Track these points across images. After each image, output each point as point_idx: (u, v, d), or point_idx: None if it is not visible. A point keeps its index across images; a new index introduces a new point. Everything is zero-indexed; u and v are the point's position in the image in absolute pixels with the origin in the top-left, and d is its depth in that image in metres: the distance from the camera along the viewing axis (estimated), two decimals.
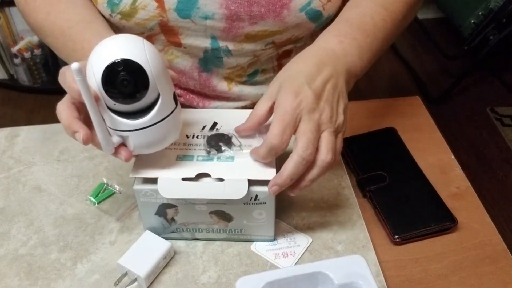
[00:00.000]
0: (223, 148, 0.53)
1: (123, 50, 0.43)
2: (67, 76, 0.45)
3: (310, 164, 0.48)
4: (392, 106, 0.76)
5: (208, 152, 0.52)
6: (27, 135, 0.71)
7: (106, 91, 0.43)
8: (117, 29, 0.67)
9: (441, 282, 0.54)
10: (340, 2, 0.63)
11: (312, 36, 0.68)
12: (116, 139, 0.47)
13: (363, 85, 2.07)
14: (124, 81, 0.42)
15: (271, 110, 0.50)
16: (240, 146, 0.53)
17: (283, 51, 0.70)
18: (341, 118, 0.49)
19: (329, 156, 0.47)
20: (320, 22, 0.63)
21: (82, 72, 0.40)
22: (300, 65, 0.51)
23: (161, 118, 0.46)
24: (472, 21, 1.83)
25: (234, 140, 0.53)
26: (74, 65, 0.39)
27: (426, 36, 2.27)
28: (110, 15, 0.61)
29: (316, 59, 0.51)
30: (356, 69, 0.53)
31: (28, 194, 0.63)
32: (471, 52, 1.88)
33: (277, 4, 0.59)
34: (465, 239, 0.58)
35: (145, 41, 0.44)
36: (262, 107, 0.50)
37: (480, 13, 1.80)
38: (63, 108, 0.46)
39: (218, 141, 0.53)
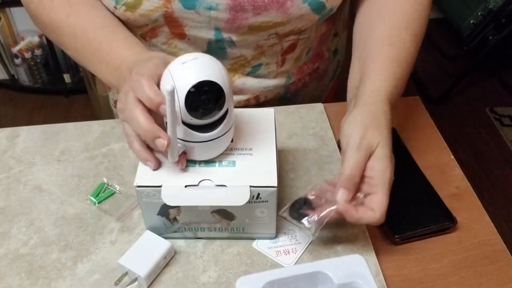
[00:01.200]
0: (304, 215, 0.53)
1: (206, 71, 0.47)
2: (146, 86, 0.47)
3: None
4: (392, 106, 0.76)
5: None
6: (27, 135, 0.71)
7: (188, 108, 0.46)
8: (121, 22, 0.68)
9: (440, 281, 0.54)
10: None
11: (316, 29, 0.69)
12: (180, 149, 0.50)
13: None
14: (206, 100, 0.46)
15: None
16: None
17: (288, 47, 0.70)
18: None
19: (380, 219, 0.51)
20: (323, 14, 0.64)
21: (174, 94, 0.45)
22: (377, 138, 0.53)
23: (226, 131, 0.51)
24: (472, 22, 1.83)
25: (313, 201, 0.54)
26: (169, 87, 0.43)
27: (426, 36, 2.27)
28: (115, 7, 0.62)
29: (388, 129, 0.55)
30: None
31: (29, 194, 0.63)
32: (470, 52, 1.89)
33: None
34: (464, 239, 0.59)
35: (220, 63, 0.48)
36: (356, 171, 0.51)
37: (479, 13, 1.81)
38: (140, 113, 0.47)
39: (299, 209, 0.54)
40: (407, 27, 0.62)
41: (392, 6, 0.64)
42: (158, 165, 0.51)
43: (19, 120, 1.90)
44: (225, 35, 0.65)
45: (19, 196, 0.63)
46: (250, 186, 0.50)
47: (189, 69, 0.47)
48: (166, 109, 0.45)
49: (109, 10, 0.64)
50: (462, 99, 1.99)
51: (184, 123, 0.48)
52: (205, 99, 0.46)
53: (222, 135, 0.50)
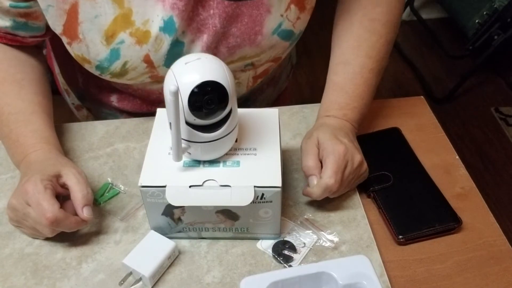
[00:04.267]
0: (290, 255, 0.56)
1: (210, 71, 0.47)
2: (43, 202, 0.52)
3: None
4: (397, 106, 0.76)
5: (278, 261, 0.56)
6: None
7: (191, 109, 0.46)
8: (105, 81, 0.67)
9: (445, 282, 0.54)
10: (308, 17, 0.65)
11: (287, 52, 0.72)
12: (184, 149, 0.51)
13: None
14: (209, 100, 0.46)
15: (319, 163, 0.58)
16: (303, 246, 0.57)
17: (261, 72, 0.72)
18: (365, 166, 0.60)
19: (342, 192, 0.60)
20: (293, 39, 0.66)
21: (177, 95, 0.45)
22: (320, 132, 0.60)
23: (230, 131, 0.51)
24: (477, 21, 1.82)
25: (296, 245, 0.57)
26: (173, 88, 0.44)
27: (430, 36, 2.26)
28: (100, 74, 0.62)
29: (335, 126, 0.62)
30: (358, 125, 0.65)
31: None
32: (475, 52, 1.87)
33: (251, 32, 0.61)
34: (469, 240, 0.58)
35: (223, 63, 0.49)
36: (312, 163, 0.58)
37: (484, 12, 1.80)
38: (53, 203, 0.52)
39: (283, 250, 0.56)
40: (356, 51, 0.65)
41: (347, 30, 0.67)
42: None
43: None
44: None
45: None
46: (255, 186, 0.50)
47: (192, 69, 0.47)
48: (170, 109, 0.46)
49: (39, 85, 0.65)
50: (467, 99, 1.98)
51: (187, 123, 0.48)
52: (208, 99, 0.46)
53: (226, 135, 0.50)
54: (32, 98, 0.63)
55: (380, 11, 0.66)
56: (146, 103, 0.75)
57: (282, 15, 0.61)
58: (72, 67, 0.74)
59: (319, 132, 0.60)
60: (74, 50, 0.60)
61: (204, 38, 0.60)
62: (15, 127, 0.60)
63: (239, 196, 0.50)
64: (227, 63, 0.64)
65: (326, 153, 0.57)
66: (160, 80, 0.64)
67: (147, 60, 0.60)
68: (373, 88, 0.66)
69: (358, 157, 0.59)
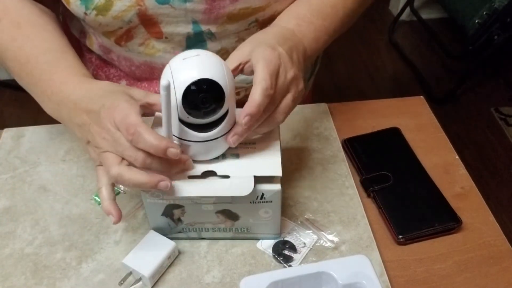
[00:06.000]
0: (290, 255, 0.56)
1: (207, 69, 0.45)
2: (145, 135, 0.44)
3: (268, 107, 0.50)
4: (396, 106, 0.76)
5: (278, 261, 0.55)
6: (32, 135, 0.71)
7: (185, 106, 0.45)
8: (92, 28, 0.65)
9: (445, 282, 0.54)
10: None
11: None
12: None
13: (366, 85, 2.07)
14: (204, 99, 0.45)
15: (237, 70, 0.52)
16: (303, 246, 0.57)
17: None
18: (301, 85, 0.53)
19: (281, 118, 0.51)
20: None
21: (169, 89, 0.43)
22: (266, 35, 0.54)
23: (224, 132, 0.49)
24: (477, 21, 1.82)
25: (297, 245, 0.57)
26: (165, 82, 0.42)
27: (430, 36, 2.27)
28: (85, 13, 0.59)
29: (279, 34, 0.54)
30: (311, 51, 0.58)
31: (34, 194, 0.63)
32: (475, 52, 1.87)
33: None
34: (469, 240, 0.58)
35: (223, 61, 0.47)
36: (234, 59, 0.51)
37: (484, 12, 1.80)
38: (144, 131, 0.45)
39: (283, 250, 0.56)
40: None
41: None
42: (119, 220, 0.50)
43: (25, 120, 1.90)
44: (204, 28, 0.62)
45: (24, 196, 0.63)
46: (254, 176, 0.49)
47: (190, 65, 0.45)
48: (162, 104, 0.44)
49: (61, 31, 0.61)
50: (467, 99, 1.98)
51: (180, 120, 0.47)
52: (203, 98, 0.45)
53: (219, 136, 0.49)
54: (58, 40, 0.59)
55: None
56: (152, 84, 0.72)
57: None
58: (83, 58, 0.74)
59: (256, 37, 0.54)
60: None
61: None
62: (46, 68, 0.55)
63: (239, 186, 0.49)
64: (230, 20, 0.61)
65: (255, 60, 0.50)
66: (148, 21, 0.60)
67: None
68: (339, 20, 0.60)
69: (293, 70, 0.51)
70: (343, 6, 0.60)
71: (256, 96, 0.47)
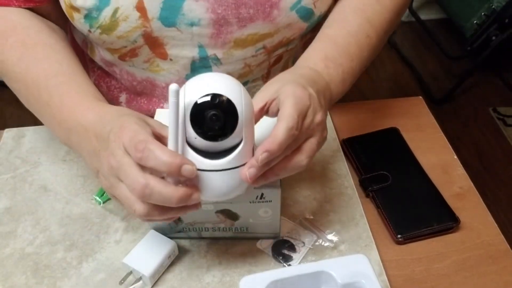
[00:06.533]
0: (290, 255, 0.56)
1: (222, 86, 0.41)
2: (157, 151, 0.39)
3: (292, 149, 0.45)
4: (395, 106, 0.77)
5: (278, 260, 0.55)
6: (33, 136, 0.71)
7: (193, 124, 0.40)
8: (96, 45, 0.64)
9: (443, 281, 0.55)
10: (331, 0, 0.60)
11: (302, 39, 0.66)
12: None
13: (365, 86, 2.07)
14: (214, 116, 0.40)
15: (263, 109, 0.47)
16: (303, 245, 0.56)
17: (274, 59, 0.66)
18: (326, 132, 0.49)
19: (305, 162, 0.46)
20: (312, 21, 0.60)
21: (178, 95, 0.39)
22: (294, 76, 0.50)
23: (236, 165, 0.43)
24: (475, 22, 1.83)
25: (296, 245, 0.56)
26: (173, 86, 0.38)
27: (429, 36, 2.27)
28: (89, 30, 0.57)
29: (308, 76, 0.51)
30: (337, 95, 0.55)
31: (34, 193, 0.63)
32: (473, 53, 1.88)
33: (266, 4, 0.56)
34: (467, 239, 0.59)
35: (242, 86, 0.43)
36: (260, 98, 0.47)
37: (482, 13, 1.80)
38: (156, 148, 0.40)
39: (282, 249, 0.56)
40: (357, 11, 0.59)
41: None
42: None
43: (25, 120, 1.89)
44: (210, 52, 0.60)
45: (24, 195, 0.63)
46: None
47: (204, 81, 0.42)
48: (169, 115, 0.39)
49: (70, 48, 0.59)
50: (465, 99, 1.99)
51: (187, 142, 0.42)
52: (213, 115, 0.40)
53: (230, 168, 0.42)
54: (68, 61, 0.56)
55: None
56: (152, 101, 0.72)
57: None
58: (85, 67, 0.73)
59: (284, 76, 0.50)
60: None
61: None
62: (56, 91, 0.52)
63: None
64: (237, 45, 0.59)
65: (283, 96, 0.45)
66: (153, 43, 0.58)
67: (140, 8, 0.54)
68: (364, 60, 0.58)
69: (320, 114, 0.47)
70: (367, 45, 0.58)
71: (279, 133, 0.43)
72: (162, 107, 0.69)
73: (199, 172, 0.42)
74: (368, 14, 0.59)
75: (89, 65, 0.73)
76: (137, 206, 0.42)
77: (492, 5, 1.76)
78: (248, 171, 0.43)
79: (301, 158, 0.46)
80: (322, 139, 0.48)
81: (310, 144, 0.46)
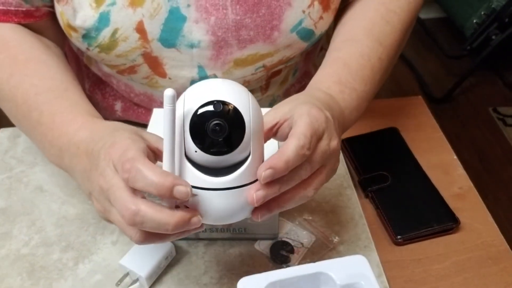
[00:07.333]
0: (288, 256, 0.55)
1: (226, 92, 0.36)
2: (146, 171, 0.36)
3: (297, 172, 0.40)
4: (394, 106, 0.76)
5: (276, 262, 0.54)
6: None
7: (192, 135, 0.36)
8: (95, 61, 0.63)
9: (443, 282, 0.54)
10: (332, 19, 0.60)
11: (302, 55, 0.65)
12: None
13: None
14: (217, 126, 0.35)
15: (273, 130, 0.44)
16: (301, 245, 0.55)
17: (272, 73, 0.65)
18: (338, 163, 0.45)
19: (311, 194, 0.42)
20: (312, 41, 0.60)
21: (175, 101, 0.34)
22: (309, 97, 0.47)
23: (242, 183, 0.38)
24: (475, 21, 1.83)
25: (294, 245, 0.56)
26: (169, 91, 0.34)
27: (429, 36, 2.27)
28: (87, 48, 0.56)
29: (323, 100, 0.47)
30: (351, 122, 0.53)
31: (30, 194, 0.63)
32: (473, 52, 1.88)
33: (266, 26, 0.55)
34: (467, 240, 0.58)
35: (250, 93, 0.39)
36: (270, 117, 0.43)
37: (482, 12, 1.80)
38: (144, 168, 0.36)
39: (281, 250, 0.55)
40: (367, 32, 0.57)
41: (360, 11, 0.60)
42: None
43: None
44: (209, 72, 0.59)
45: (20, 196, 0.63)
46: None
47: (206, 87, 0.38)
48: (164, 126, 0.35)
49: (65, 63, 0.58)
50: (465, 99, 1.99)
51: (186, 156, 0.37)
52: (216, 125, 0.35)
53: (235, 187, 0.37)
54: (62, 77, 0.54)
55: (398, 5, 0.59)
56: (150, 112, 0.72)
57: (304, 11, 0.55)
58: (80, 72, 0.72)
59: (298, 97, 0.46)
60: (62, 13, 0.54)
61: (211, 21, 0.54)
62: (46, 108, 0.49)
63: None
64: (236, 65, 0.59)
65: (297, 115, 0.41)
66: (152, 62, 0.57)
67: (140, 29, 0.53)
68: (376, 83, 0.55)
69: (337, 140, 0.43)
70: (379, 68, 0.56)
71: (288, 150, 0.38)
72: None
73: (199, 191, 0.37)
74: (378, 34, 0.56)
75: (84, 70, 0.71)
76: (132, 233, 0.38)
77: (492, 4, 1.76)
78: (256, 194, 0.38)
79: (308, 190, 0.42)
80: (333, 172, 0.44)
81: (321, 174, 0.42)
